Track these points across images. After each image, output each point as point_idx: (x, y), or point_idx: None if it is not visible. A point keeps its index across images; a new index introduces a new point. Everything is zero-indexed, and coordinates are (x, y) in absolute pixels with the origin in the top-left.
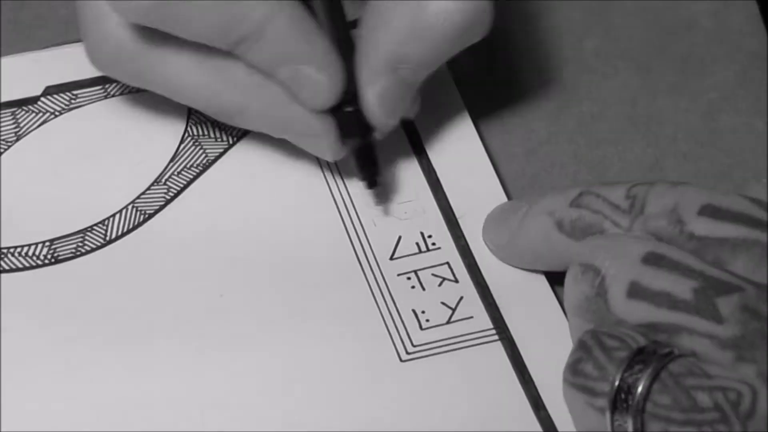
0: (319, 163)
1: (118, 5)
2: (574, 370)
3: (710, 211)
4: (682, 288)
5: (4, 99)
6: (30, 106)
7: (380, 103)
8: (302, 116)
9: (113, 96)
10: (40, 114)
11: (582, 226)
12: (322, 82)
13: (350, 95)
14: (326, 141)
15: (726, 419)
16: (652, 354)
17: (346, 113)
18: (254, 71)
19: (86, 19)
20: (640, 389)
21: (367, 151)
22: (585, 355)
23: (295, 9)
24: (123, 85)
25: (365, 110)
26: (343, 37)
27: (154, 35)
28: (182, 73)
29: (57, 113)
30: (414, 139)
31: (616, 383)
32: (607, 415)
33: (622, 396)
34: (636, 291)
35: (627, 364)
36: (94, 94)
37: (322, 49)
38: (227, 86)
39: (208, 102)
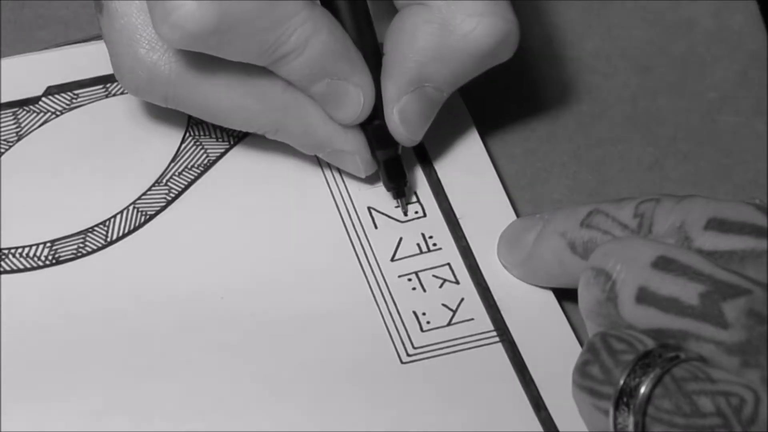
0: (320, 164)
1: (166, 34)
2: (581, 373)
3: (716, 225)
4: (689, 293)
5: (5, 99)
6: (31, 106)
7: (403, 120)
8: (336, 132)
9: (114, 95)
10: (41, 114)
11: (594, 248)
12: (357, 96)
13: (378, 110)
14: (359, 155)
15: (728, 424)
16: (657, 357)
17: (375, 127)
18: (290, 89)
19: (117, 43)
20: (642, 393)
21: (395, 163)
22: (592, 357)
23: (333, 25)
24: None
25: (389, 126)
26: (371, 52)
27: (188, 57)
28: (218, 95)
29: (58, 113)
30: None
31: (620, 386)
32: (611, 415)
33: (625, 399)
34: (644, 296)
35: (631, 368)
36: (95, 94)
37: (357, 65)
38: (264, 105)
39: (246, 122)
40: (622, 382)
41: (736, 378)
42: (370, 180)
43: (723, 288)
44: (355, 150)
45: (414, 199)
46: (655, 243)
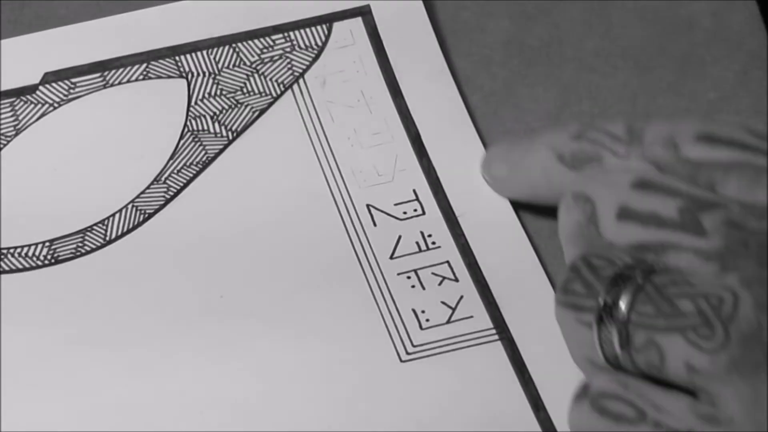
0: (320, 162)
1: None
2: (564, 290)
3: (705, 137)
4: (668, 207)
5: (3, 86)
6: (29, 96)
7: None
8: None
9: (112, 85)
10: (39, 105)
11: (582, 157)
12: None
13: None
14: None
15: (708, 323)
16: (637, 269)
17: None
18: None
19: None
20: (624, 301)
21: None
22: (574, 275)
23: None
24: (122, 72)
25: None
26: None
27: None
28: None
29: (56, 104)
30: (414, 139)
31: (602, 298)
32: (594, 328)
33: (608, 310)
34: (625, 213)
35: (612, 280)
36: (93, 83)
37: None
38: None
39: None
40: (604, 293)
41: (715, 281)
42: (369, 178)
43: (700, 201)
44: None
45: (413, 196)
46: (632, 169)
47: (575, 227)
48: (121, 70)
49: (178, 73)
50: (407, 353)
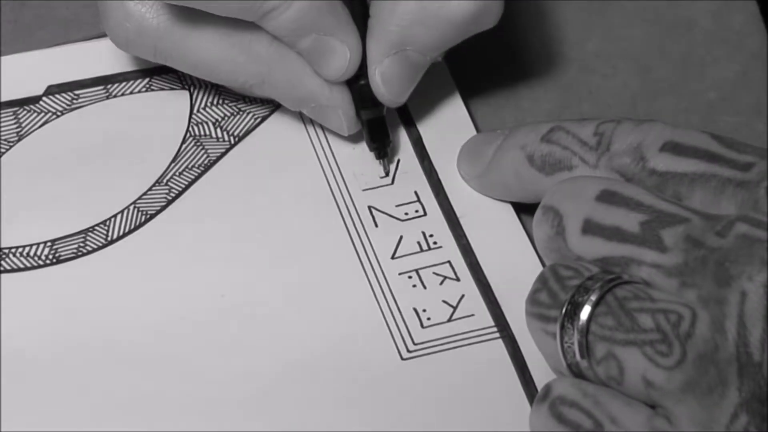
0: (320, 163)
1: None
2: (532, 300)
3: (671, 147)
4: (630, 222)
5: (6, 98)
6: (32, 106)
7: (385, 81)
8: (320, 88)
9: (115, 96)
10: (42, 114)
11: (552, 162)
12: (343, 52)
13: (364, 69)
14: (342, 111)
15: (666, 339)
16: (600, 280)
17: (361, 86)
18: (276, 43)
19: None
20: (584, 310)
21: (379, 123)
22: (541, 285)
23: None
24: (125, 85)
25: (372, 87)
26: (359, 12)
27: (176, 10)
28: (205, 47)
29: (59, 113)
30: (416, 141)
31: (564, 308)
32: (557, 337)
33: (569, 319)
34: (589, 227)
35: (576, 290)
36: (96, 95)
37: (344, 21)
38: (249, 58)
39: (231, 74)
40: (566, 303)
41: (675, 297)
42: (370, 181)
43: (662, 216)
44: (339, 106)
45: (414, 197)
46: (599, 178)
47: (546, 240)
48: (123, 83)
49: (180, 86)
50: (408, 351)
